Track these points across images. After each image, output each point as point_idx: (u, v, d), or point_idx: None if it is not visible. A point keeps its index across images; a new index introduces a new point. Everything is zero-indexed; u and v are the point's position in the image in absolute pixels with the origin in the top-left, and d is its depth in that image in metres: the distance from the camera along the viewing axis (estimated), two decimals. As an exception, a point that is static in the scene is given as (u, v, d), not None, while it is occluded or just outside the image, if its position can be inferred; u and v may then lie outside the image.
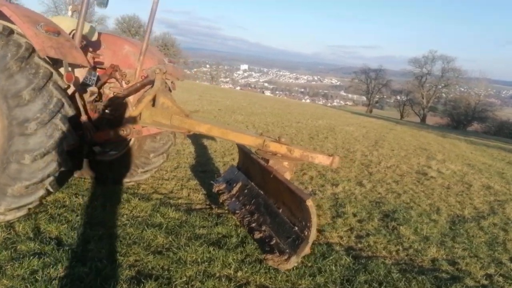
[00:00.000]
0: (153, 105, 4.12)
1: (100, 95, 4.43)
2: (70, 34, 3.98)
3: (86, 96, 4.17)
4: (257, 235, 3.37)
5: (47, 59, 3.31)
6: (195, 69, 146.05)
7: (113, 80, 4.61)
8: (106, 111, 4.62)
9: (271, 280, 3.22)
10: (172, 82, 4.95)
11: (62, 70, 3.52)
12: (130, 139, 4.95)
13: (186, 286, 3.00)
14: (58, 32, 3.24)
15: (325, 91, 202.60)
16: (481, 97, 65.86)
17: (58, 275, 2.82)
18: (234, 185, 4.41)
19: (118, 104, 4.43)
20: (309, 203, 2.96)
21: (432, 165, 10.64)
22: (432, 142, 19.35)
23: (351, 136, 15.80)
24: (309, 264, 3.67)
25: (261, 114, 19.44)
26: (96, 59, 4.54)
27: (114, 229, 3.71)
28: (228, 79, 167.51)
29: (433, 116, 71.90)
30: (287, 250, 3.01)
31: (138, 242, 3.53)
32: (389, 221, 5.34)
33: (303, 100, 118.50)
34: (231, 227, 4.19)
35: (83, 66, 3.48)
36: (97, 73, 4.32)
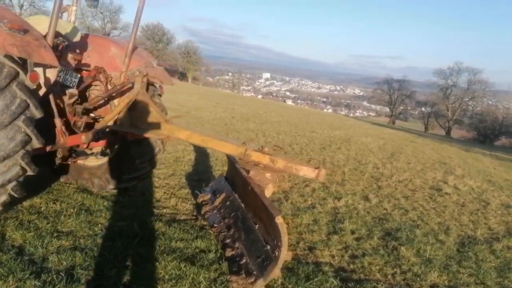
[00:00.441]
0: (133, 109, 3.93)
1: (83, 98, 4.26)
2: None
3: (66, 99, 4.00)
4: (229, 253, 3.09)
5: (16, 58, 3.15)
6: (217, 77, 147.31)
7: (98, 82, 4.45)
8: (91, 114, 4.46)
9: (242, 304, 2.92)
10: (160, 86, 4.76)
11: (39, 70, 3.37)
12: (116, 144, 4.77)
13: (145, 306, 2.74)
14: (24, 30, 3.07)
15: (347, 101, 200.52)
16: (509, 111, 63.56)
17: (6, 288, 2.61)
18: (218, 196, 4.15)
19: (99, 107, 4.25)
20: (279, 220, 2.67)
21: (449, 181, 10.08)
22: (454, 156, 18.59)
23: (366, 147, 15.30)
24: (289, 287, 3.35)
25: (276, 122, 19.15)
26: (80, 61, 4.38)
27: (83, 240, 3.49)
28: (250, 87, 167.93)
29: (459, 129, 69.83)
30: (255, 272, 2.71)
31: (104, 255, 3.30)
32: (390, 240, 4.95)
33: (325, 110, 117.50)
34: (211, 241, 3.91)
35: (52, 66, 3.30)
36: (79, 75, 4.15)
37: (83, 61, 4.48)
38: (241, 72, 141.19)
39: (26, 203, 4.00)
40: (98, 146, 4.53)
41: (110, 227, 3.85)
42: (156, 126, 3.84)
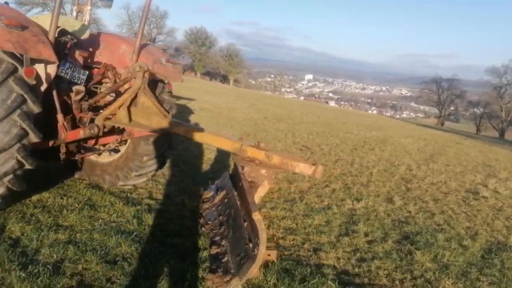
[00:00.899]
0: (134, 104, 3.95)
1: (92, 95, 4.34)
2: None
3: (72, 95, 4.10)
4: (214, 250, 3.00)
5: (18, 55, 3.25)
6: (260, 79, 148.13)
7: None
8: (101, 111, 4.55)
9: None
10: (168, 83, 4.78)
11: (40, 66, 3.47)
12: (126, 141, 4.84)
13: (123, 301, 2.72)
14: (22, 26, 3.16)
15: (393, 102, 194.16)
16: None
17: (-9, 279, 2.68)
18: (219, 193, 4.07)
19: (106, 104, 4.31)
20: (256, 216, 2.54)
21: (489, 184, 9.39)
22: (502, 159, 17.36)
23: (404, 148, 14.65)
24: (281, 288, 3.20)
25: (311, 123, 18.84)
26: (90, 58, 4.48)
27: (80, 234, 3.54)
28: (292, 89, 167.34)
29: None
30: (232, 271, 2.61)
31: (97, 249, 3.31)
32: (406, 244, 4.65)
33: (369, 111, 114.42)
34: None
35: (49, 62, 3.38)
36: (87, 72, 4.24)
37: (95, 59, 4.58)
38: (283, 74, 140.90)
39: (34, 197, 4.12)
40: (108, 142, 4.62)
41: (109, 222, 3.89)
42: (156, 122, 3.84)
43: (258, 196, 3.42)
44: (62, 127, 3.73)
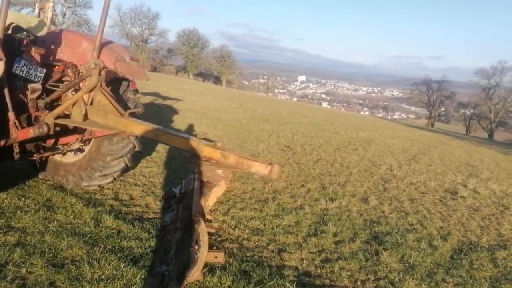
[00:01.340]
0: (90, 103, 3.84)
1: (48, 92, 4.21)
2: (7, 27, 3.83)
3: (28, 93, 3.98)
4: (162, 253, 2.90)
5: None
6: (253, 80, 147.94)
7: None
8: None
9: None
10: (131, 81, 4.67)
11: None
12: (90, 141, 4.72)
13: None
14: None
15: (385, 103, 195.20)
16: (560, 112, 59.37)
17: None
18: (181, 192, 3.98)
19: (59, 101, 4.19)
20: (196, 218, 2.45)
21: (469, 184, 9.38)
22: (486, 159, 17.43)
23: (388, 149, 14.64)
24: (234, 291, 3.11)
25: (297, 123, 18.77)
26: (50, 56, 4.37)
27: (31, 236, 3.42)
28: (285, 90, 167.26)
29: (504, 131, 66.02)
30: (173, 274, 2.51)
31: (45, 252, 3.20)
32: (375, 244, 4.58)
33: (362, 113, 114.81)
34: (167, 240, 3.73)
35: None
36: (44, 70, 4.12)
37: (55, 57, 4.47)
38: (275, 75, 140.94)
39: (-11, 199, 3.99)
40: (68, 142, 4.50)
41: (64, 224, 3.77)
42: (111, 121, 3.73)
43: (214, 196, 3.32)
44: (13, 125, 3.61)
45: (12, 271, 2.87)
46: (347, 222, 5.23)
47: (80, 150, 4.91)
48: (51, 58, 4.45)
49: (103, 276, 3.01)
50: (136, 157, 6.41)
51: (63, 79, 4.42)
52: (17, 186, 4.48)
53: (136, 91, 4.86)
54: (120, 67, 4.38)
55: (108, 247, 3.45)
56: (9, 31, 3.91)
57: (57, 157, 4.86)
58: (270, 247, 4.13)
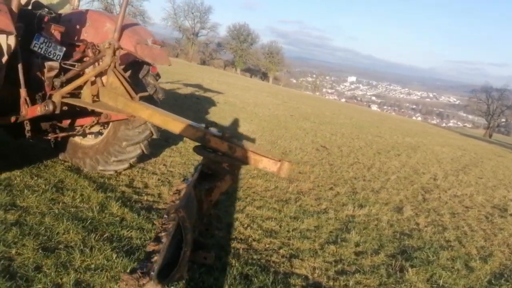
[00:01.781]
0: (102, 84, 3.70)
1: (65, 71, 4.13)
2: (27, 2, 3.79)
3: (45, 71, 3.91)
4: (150, 247, 2.66)
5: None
6: (301, 79, 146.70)
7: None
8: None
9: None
10: (152, 65, 4.50)
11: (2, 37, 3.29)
12: (108, 124, 4.63)
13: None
14: None
15: (440, 110, 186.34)
16: None
17: None
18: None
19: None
20: (180, 213, 2.18)
21: (523, 201, 8.47)
22: (547, 175, 15.89)
23: (436, 157, 13.69)
24: (229, 297, 2.83)
25: (339, 124, 18.12)
26: (73, 35, 4.29)
27: (32, 216, 3.33)
28: (333, 90, 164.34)
29: None
30: (152, 273, 2.26)
31: (40, 234, 3.09)
32: (401, 259, 4.11)
33: (414, 118, 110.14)
34: (170, 234, 3.51)
35: (5, 33, 3.18)
36: (64, 48, 4.04)
37: (79, 37, 4.39)
38: (324, 75, 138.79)
39: (3, 175, 3.97)
40: (84, 123, 4.41)
41: (69, 207, 3.66)
42: (121, 103, 3.56)
43: (218, 191, 3.06)
44: (23, 102, 3.54)
45: (1, 251, 2.77)
46: (374, 232, 4.78)
47: (100, 133, 4.83)
48: (75, 38, 4.38)
49: (92, 266, 2.85)
50: (160, 145, 6.31)
51: (84, 59, 4.34)
52: (34, 165, 4.46)
53: (157, 76, 4.69)
54: (141, 50, 4.22)
55: (105, 235, 3.29)
56: (29, 7, 3.85)
57: (77, 139, 4.81)
58: (281, 251, 3.80)
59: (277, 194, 5.49)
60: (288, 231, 4.31)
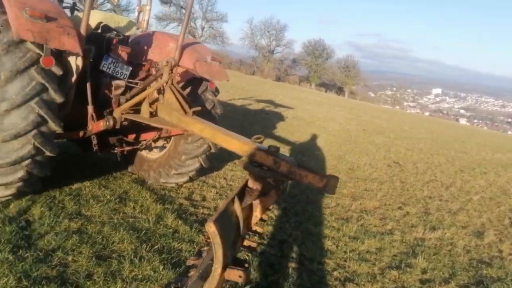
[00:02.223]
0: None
1: (131, 89, 4.39)
2: (97, 26, 4.10)
3: (113, 89, 4.18)
4: (190, 262, 2.65)
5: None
6: (380, 92, 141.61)
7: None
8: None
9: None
10: (210, 81, 4.62)
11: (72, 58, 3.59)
12: (170, 138, 4.83)
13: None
14: (47, 17, 3.27)
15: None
16: None
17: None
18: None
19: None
20: (211, 228, 2.13)
21: None
22: None
23: (532, 176, 12.15)
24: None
25: (418, 139, 17.02)
26: (138, 55, 4.57)
27: (93, 225, 3.53)
28: (415, 103, 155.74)
29: None
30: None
31: (97, 243, 3.25)
32: (476, 291, 3.64)
33: (509, 132, 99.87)
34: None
35: (73, 54, 3.46)
36: (130, 68, 4.30)
37: (148, 57, 4.66)
38: (405, 87, 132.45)
39: (74, 186, 4.28)
40: (147, 138, 4.64)
41: (128, 217, 3.83)
42: (175, 118, 3.68)
43: (263, 207, 2.98)
44: (90, 118, 3.82)
45: (59, 257, 2.95)
46: (446, 258, 4.32)
47: (164, 147, 5.05)
48: (142, 58, 4.65)
49: (139, 276, 2.92)
50: (223, 159, 6.41)
51: (148, 77, 4.58)
52: (104, 176, 4.77)
53: (216, 91, 4.79)
54: (200, 67, 4.35)
55: (156, 246, 3.37)
56: (99, 30, 4.18)
57: (144, 152, 5.07)
58: (335, 273, 3.58)
59: (338, 212, 5.24)
60: (345, 252, 4.06)
